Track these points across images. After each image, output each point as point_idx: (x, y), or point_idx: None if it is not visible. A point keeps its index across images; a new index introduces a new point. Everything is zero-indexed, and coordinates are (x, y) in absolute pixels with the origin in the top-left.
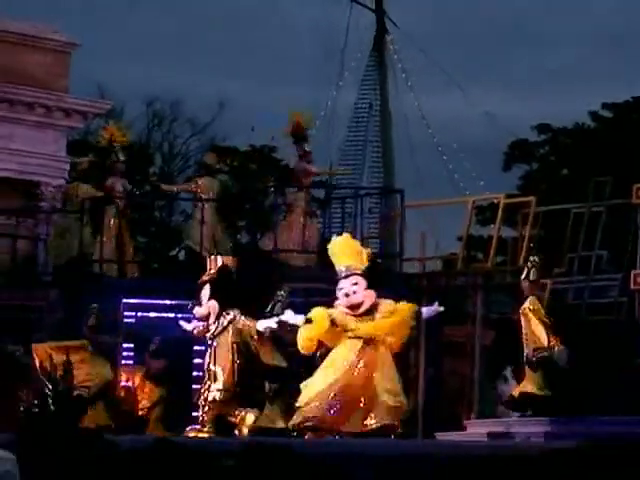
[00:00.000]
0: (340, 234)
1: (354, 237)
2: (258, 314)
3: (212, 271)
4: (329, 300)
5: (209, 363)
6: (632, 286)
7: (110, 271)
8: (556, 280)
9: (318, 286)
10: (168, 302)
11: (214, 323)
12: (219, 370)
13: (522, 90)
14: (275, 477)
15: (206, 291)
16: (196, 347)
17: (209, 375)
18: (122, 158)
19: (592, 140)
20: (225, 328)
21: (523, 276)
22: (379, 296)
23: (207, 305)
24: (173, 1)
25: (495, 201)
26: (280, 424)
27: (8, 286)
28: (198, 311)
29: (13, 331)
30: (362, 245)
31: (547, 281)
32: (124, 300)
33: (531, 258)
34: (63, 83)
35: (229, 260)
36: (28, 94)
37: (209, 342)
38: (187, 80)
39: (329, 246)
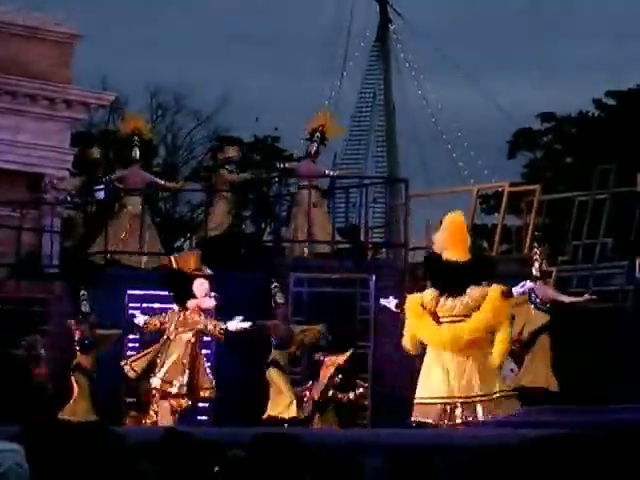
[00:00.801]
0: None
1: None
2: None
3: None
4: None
5: None
6: (637, 274)
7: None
8: (561, 268)
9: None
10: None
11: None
12: None
13: (526, 78)
14: (284, 467)
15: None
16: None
17: None
18: (137, 157)
19: (596, 128)
20: None
21: (536, 266)
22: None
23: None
24: None
25: (500, 189)
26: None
27: (13, 278)
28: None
29: (18, 324)
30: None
31: (552, 269)
32: (129, 291)
33: (540, 249)
34: (66, 75)
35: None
36: (31, 86)
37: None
38: (191, 71)
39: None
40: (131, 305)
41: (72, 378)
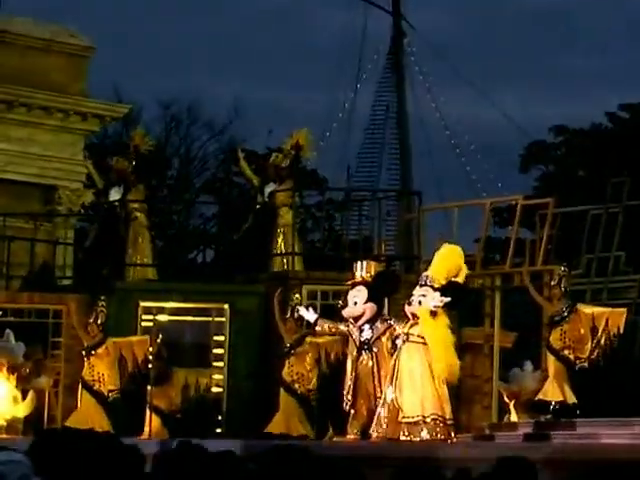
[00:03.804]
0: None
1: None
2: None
3: (367, 274)
4: None
5: (379, 368)
6: None
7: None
8: (574, 282)
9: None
10: (185, 305)
11: (369, 327)
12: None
13: (539, 92)
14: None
15: (361, 293)
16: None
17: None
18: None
19: (609, 141)
20: (382, 334)
21: (553, 283)
22: None
23: (364, 306)
24: (190, 5)
25: (513, 203)
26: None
27: (26, 290)
28: (349, 311)
29: (31, 335)
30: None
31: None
32: (141, 303)
33: (562, 267)
34: (81, 87)
35: (379, 266)
36: (46, 98)
37: (359, 344)
38: (205, 83)
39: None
40: (143, 317)
41: (80, 389)
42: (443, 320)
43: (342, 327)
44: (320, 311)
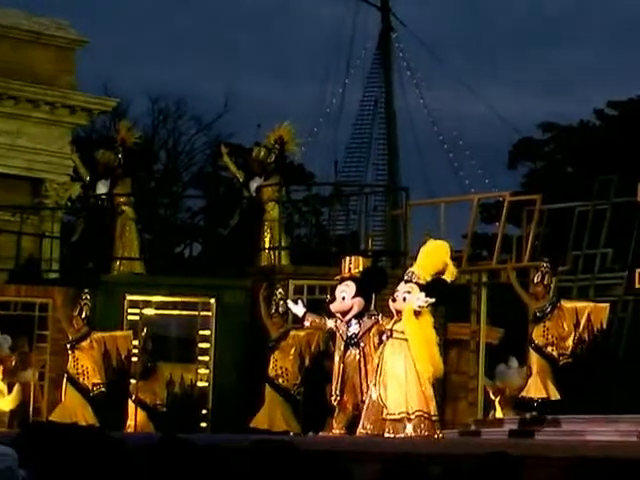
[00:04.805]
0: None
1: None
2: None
3: (356, 270)
4: None
5: (366, 363)
6: (637, 284)
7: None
8: (561, 278)
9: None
10: (172, 299)
11: (356, 322)
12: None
13: (527, 88)
14: (279, 474)
15: (349, 288)
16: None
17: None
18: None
19: (597, 138)
20: (369, 329)
21: (536, 280)
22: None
23: (352, 301)
24: None
25: (500, 199)
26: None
27: (13, 283)
28: (337, 305)
29: (17, 327)
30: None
31: (552, 279)
32: (128, 297)
33: (544, 264)
34: (69, 80)
35: (368, 261)
36: (34, 91)
37: (346, 339)
38: (193, 77)
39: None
40: (129, 310)
41: (64, 382)
42: (427, 319)
43: (330, 322)
44: (307, 306)
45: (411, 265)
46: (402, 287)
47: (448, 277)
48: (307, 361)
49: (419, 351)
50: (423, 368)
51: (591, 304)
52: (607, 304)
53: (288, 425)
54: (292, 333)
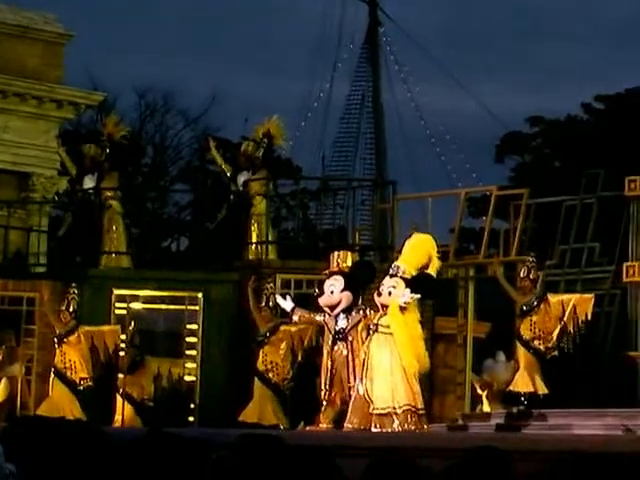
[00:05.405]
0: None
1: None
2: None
3: (344, 264)
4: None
5: (354, 357)
6: (624, 278)
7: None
8: (548, 272)
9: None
10: (159, 293)
11: (345, 316)
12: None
13: (515, 82)
14: (266, 467)
15: (338, 282)
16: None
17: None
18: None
19: (584, 132)
20: (357, 323)
21: (522, 274)
22: None
23: (340, 295)
24: None
25: (487, 193)
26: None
27: (0, 277)
28: (326, 299)
29: (4, 322)
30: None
31: (539, 273)
32: (115, 291)
33: (530, 258)
34: (56, 74)
35: (356, 256)
36: (21, 85)
37: (334, 334)
38: (180, 72)
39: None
40: (117, 305)
41: (52, 376)
42: (413, 315)
43: (318, 317)
44: (294, 300)
45: (396, 259)
46: (387, 281)
47: (433, 271)
48: (299, 356)
49: (404, 347)
50: (408, 364)
51: (576, 295)
52: (591, 294)
53: (278, 419)
54: (283, 328)
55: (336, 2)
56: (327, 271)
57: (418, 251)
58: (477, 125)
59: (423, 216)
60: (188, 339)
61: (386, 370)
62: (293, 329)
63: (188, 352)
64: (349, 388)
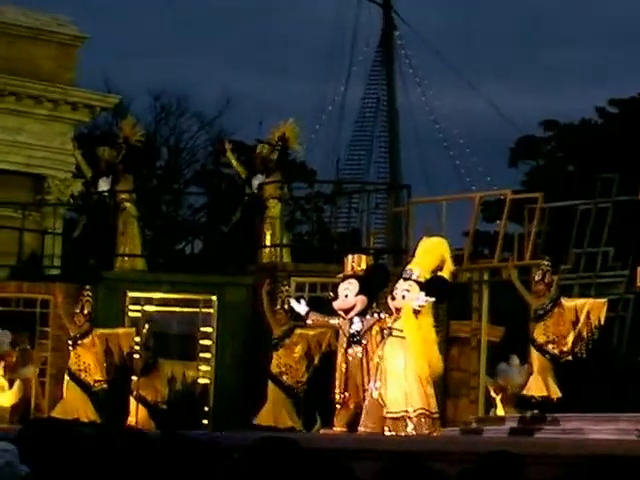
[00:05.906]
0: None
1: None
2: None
3: (359, 267)
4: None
5: (368, 360)
6: (639, 283)
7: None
8: (562, 276)
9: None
10: (173, 296)
11: (359, 320)
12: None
13: (529, 86)
14: (282, 471)
15: (352, 286)
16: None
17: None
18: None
19: (599, 136)
20: (372, 327)
21: (537, 278)
22: None
23: (355, 299)
24: None
25: (502, 197)
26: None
27: (14, 279)
28: (340, 303)
29: (18, 324)
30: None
31: (553, 277)
32: (129, 294)
33: (544, 262)
34: (71, 76)
35: (371, 259)
36: (36, 87)
37: (349, 337)
38: (195, 74)
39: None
40: (131, 307)
41: (66, 378)
42: (427, 319)
43: (332, 321)
44: (308, 303)
45: (409, 262)
46: (401, 285)
47: (447, 273)
48: (316, 360)
49: (417, 350)
50: (420, 368)
51: (590, 300)
52: (605, 299)
53: (293, 422)
54: (298, 331)
55: (351, 5)
56: (342, 275)
57: (431, 254)
58: (491, 129)
59: (437, 220)
60: (202, 342)
61: (400, 374)
62: (311, 333)
63: (202, 355)
64: (363, 391)
